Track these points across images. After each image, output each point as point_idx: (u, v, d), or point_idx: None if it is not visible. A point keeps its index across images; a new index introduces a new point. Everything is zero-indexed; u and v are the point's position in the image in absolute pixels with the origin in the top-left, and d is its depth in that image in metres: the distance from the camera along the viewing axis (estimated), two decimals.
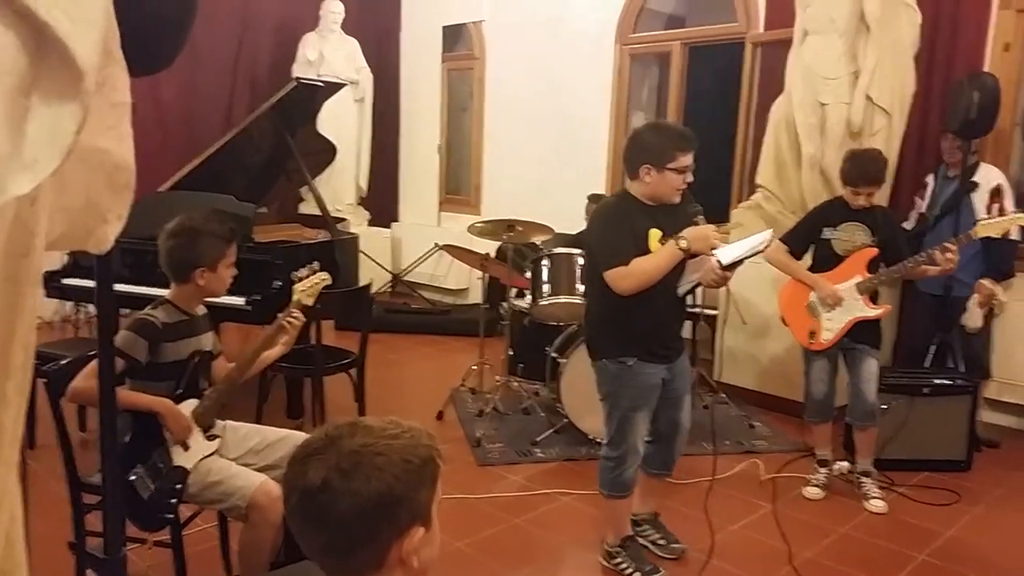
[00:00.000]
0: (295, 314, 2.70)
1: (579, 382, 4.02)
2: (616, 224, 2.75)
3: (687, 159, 2.69)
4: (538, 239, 4.72)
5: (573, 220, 5.15)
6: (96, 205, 1.00)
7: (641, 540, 3.11)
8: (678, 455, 3.10)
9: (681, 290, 2.84)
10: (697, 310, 4.64)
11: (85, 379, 2.35)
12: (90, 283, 4.05)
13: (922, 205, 4.45)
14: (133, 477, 2.39)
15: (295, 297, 2.75)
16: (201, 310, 2.65)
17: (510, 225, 4.41)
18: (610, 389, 2.87)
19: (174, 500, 2.43)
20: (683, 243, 2.65)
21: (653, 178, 2.71)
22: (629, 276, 2.67)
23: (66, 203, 0.99)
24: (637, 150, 2.75)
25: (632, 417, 2.83)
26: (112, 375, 1.53)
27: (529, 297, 4.39)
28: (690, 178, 2.74)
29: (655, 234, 2.74)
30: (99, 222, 1.01)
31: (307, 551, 1.18)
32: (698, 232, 2.67)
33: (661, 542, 3.13)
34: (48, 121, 0.72)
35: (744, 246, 2.88)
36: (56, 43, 0.70)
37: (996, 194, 4.12)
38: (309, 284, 2.78)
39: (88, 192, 1.00)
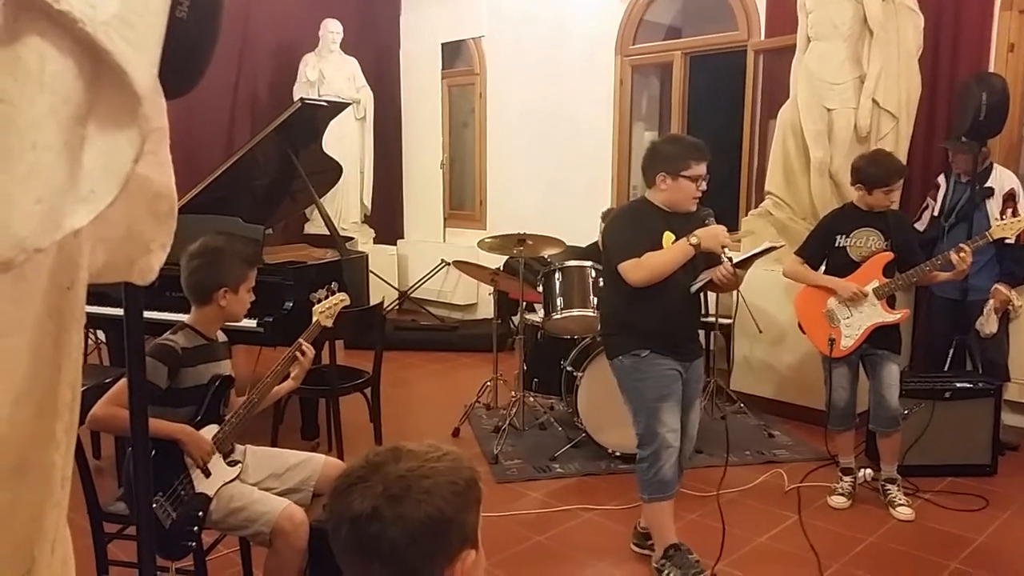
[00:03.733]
0: (304, 349, 2.66)
1: (596, 395, 3.99)
2: (632, 222, 2.91)
3: (701, 168, 2.84)
4: (548, 252, 4.69)
5: (580, 233, 5.12)
6: (138, 234, 0.97)
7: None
8: (686, 462, 3.10)
9: (694, 287, 2.90)
10: (711, 319, 4.60)
11: (104, 406, 2.32)
12: (97, 309, 4.01)
13: (934, 206, 4.42)
14: (154, 505, 2.34)
15: (315, 319, 2.75)
16: (221, 336, 2.62)
17: (520, 239, 4.38)
18: (630, 385, 2.92)
19: (196, 527, 2.39)
20: (694, 240, 2.79)
21: (668, 185, 2.86)
22: (640, 267, 2.79)
23: (107, 233, 0.96)
24: (654, 160, 2.90)
25: (658, 409, 2.85)
26: (144, 409, 1.50)
27: (541, 311, 4.36)
28: (704, 187, 2.87)
29: (669, 236, 2.85)
30: (142, 252, 0.97)
31: None
32: (709, 231, 2.82)
33: None
34: (105, 150, 0.70)
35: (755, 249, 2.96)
36: (114, 69, 0.67)
37: (1010, 199, 4.10)
38: (328, 305, 2.78)
39: (129, 221, 0.97)
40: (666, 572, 2.93)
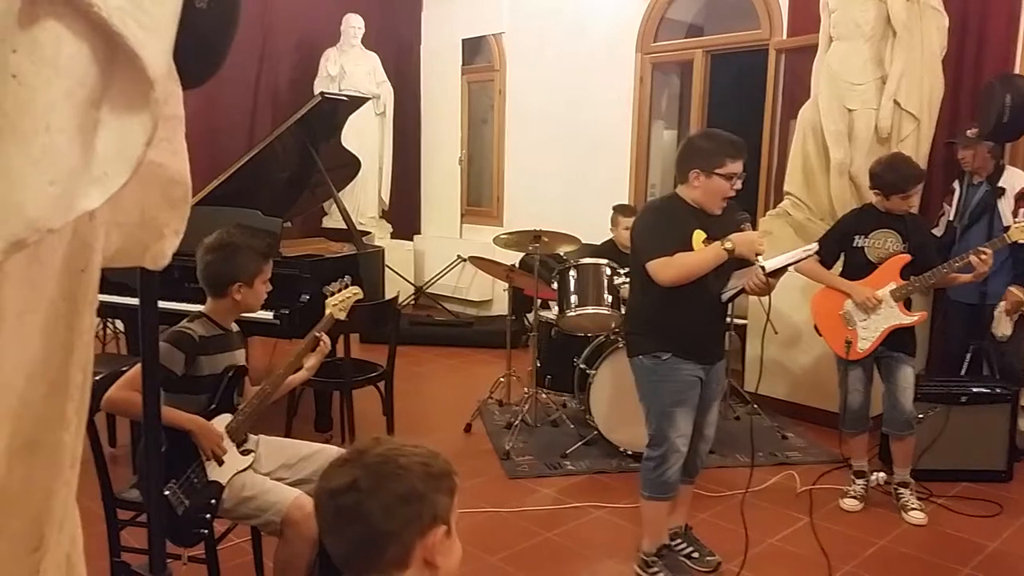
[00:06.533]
0: (322, 338, 2.71)
1: (609, 393, 3.99)
2: (663, 219, 2.81)
3: (736, 166, 2.72)
4: (564, 250, 4.69)
5: (596, 230, 5.11)
6: (152, 220, 0.99)
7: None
8: (702, 463, 3.09)
9: (725, 296, 2.84)
10: (727, 320, 4.57)
11: (120, 389, 2.34)
12: (116, 298, 4.05)
13: (950, 212, 4.38)
14: (167, 492, 2.37)
15: (328, 311, 2.77)
16: (235, 326, 2.65)
17: (536, 236, 4.38)
18: (647, 385, 2.86)
19: (208, 515, 2.41)
20: (728, 245, 2.67)
21: (701, 183, 2.74)
22: (670, 266, 2.69)
23: (121, 218, 0.97)
24: (688, 155, 2.79)
25: (672, 414, 2.80)
26: (157, 393, 1.51)
27: (556, 308, 4.36)
28: (739, 186, 2.75)
29: (699, 235, 2.76)
30: (156, 237, 0.99)
31: (336, 555, 1.24)
32: (744, 237, 2.70)
33: (695, 555, 3.09)
34: (118, 133, 0.71)
35: (788, 256, 2.87)
36: (127, 53, 0.68)
37: (1021, 198, 4.06)
38: (342, 298, 2.79)
39: (143, 207, 0.99)
40: (656, 569, 2.94)
